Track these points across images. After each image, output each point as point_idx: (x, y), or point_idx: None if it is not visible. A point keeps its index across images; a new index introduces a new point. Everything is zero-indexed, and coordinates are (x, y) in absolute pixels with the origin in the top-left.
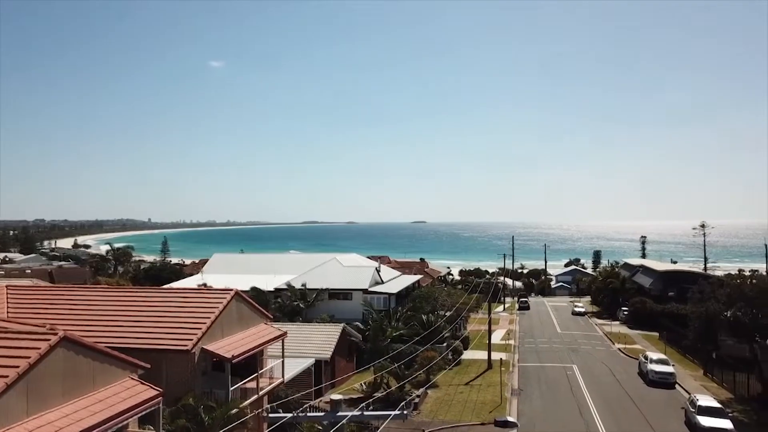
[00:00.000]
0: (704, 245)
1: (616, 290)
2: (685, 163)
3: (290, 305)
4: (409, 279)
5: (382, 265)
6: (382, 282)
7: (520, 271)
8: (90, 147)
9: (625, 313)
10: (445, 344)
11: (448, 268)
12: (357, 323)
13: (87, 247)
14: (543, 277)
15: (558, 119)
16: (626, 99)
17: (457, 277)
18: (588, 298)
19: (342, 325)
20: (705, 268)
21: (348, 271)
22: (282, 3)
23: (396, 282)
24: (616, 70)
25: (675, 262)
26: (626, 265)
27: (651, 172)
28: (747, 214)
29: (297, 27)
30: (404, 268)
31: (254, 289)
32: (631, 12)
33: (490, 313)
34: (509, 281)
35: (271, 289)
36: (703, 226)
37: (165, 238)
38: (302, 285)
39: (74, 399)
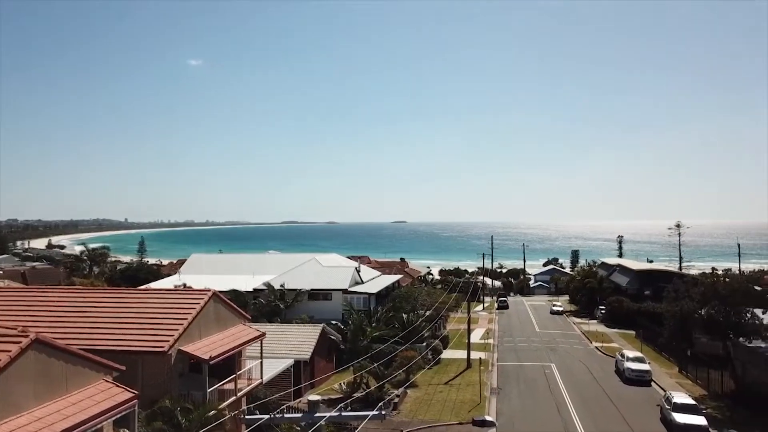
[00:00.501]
0: (679, 245)
1: (593, 289)
2: (661, 164)
3: (269, 306)
4: (389, 279)
5: (361, 266)
6: (362, 282)
7: (499, 270)
8: (65, 146)
9: (603, 312)
10: (424, 344)
11: (428, 268)
12: (337, 323)
13: (62, 247)
14: (522, 277)
15: (537, 121)
16: (602, 101)
17: (437, 277)
18: (566, 298)
19: (321, 325)
20: (680, 267)
21: (327, 271)
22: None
23: (376, 282)
24: (594, 72)
25: (651, 262)
26: (603, 265)
27: (628, 173)
28: (721, 215)
29: (276, 26)
30: (384, 268)
31: (233, 290)
32: (600, 16)
33: (469, 313)
34: (488, 281)
35: (250, 289)
36: (678, 226)
37: (142, 238)
38: (281, 285)
39: (46, 402)
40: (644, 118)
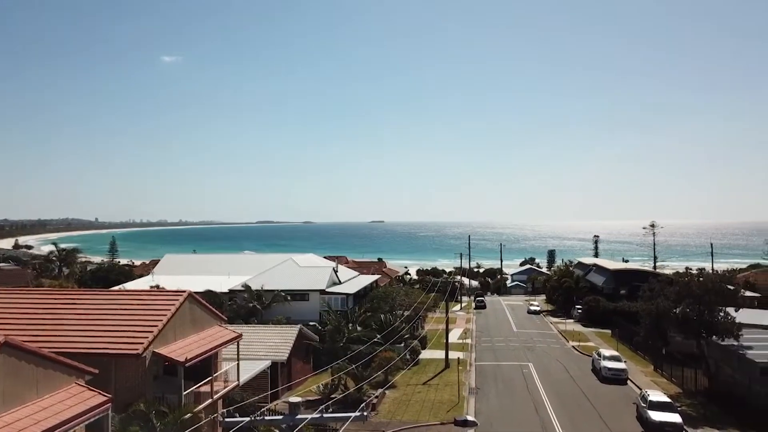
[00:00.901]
0: (654, 244)
1: (570, 289)
2: (635, 165)
3: (245, 307)
4: (367, 279)
5: (339, 266)
6: (340, 282)
7: (476, 270)
8: (32, 144)
9: (579, 311)
10: (403, 344)
11: (406, 268)
12: (315, 324)
13: (29, 247)
14: (499, 276)
15: (513, 122)
16: (574, 103)
17: (415, 277)
18: (543, 297)
19: (299, 326)
20: (655, 267)
21: (305, 271)
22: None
23: (354, 282)
24: (575, 74)
25: (626, 261)
26: (580, 264)
27: (603, 174)
28: (690, 215)
29: (254, 23)
30: (362, 268)
31: (208, 291)
32: (591, 16)
33: (447, 313)
34: (466, 280)
35: (226, 290)
36: (652, 225)
37: (113, 238)
38: (258, 286)
39: (16, 407)
40: (617, 120)
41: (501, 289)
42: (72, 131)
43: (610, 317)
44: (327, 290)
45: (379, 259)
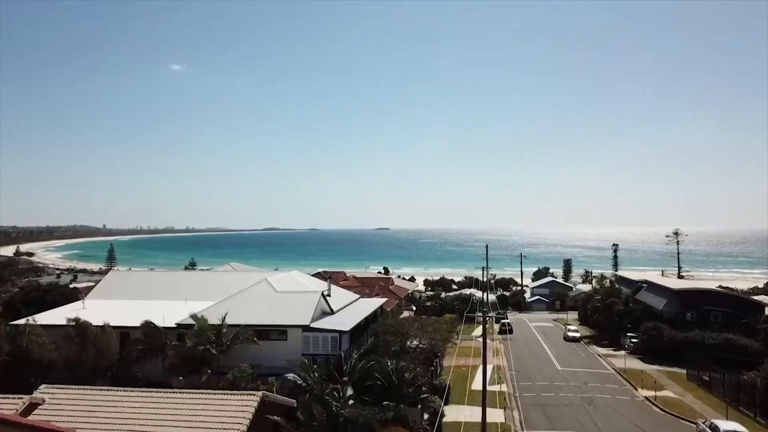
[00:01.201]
0: (678, 253)
1: (620, 313)
2: (629, 172)
3: (195, 350)
4: (369, 305)
5: (334, 286)
6: (332, 312)
7: (492, 280)
8: (40, 151)
9: (634, 341)
10: (418, 405)
11: (414, 280)
12: (295, 377)
13: (30, 254)
14: (518, 288)
15: (514, 130)
16: (571, 111)
17: (422, 287)
18: (572, 315)
19: (260, 394)
20: (679, 276)
21: (284, 299)
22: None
23: (351, 311)
24: (569, 81)
25: (681, 277)
26: (623, 280)
27: (599, 181)
28: (693, 222)
29: (261, 30)
30: (364, 286)
31: (147, 324)
32: (594, 17)
33: (485, 363)
34: (477, 293)
35: (174, 324)
36: (676, 233)
37: (111, 246)
38: (218, 318)
39: None
40: (614, 128)
41: (521, 305)
42: (80, 138)
43: (679, 351)
44: (312, 326)
45: (385, 270)
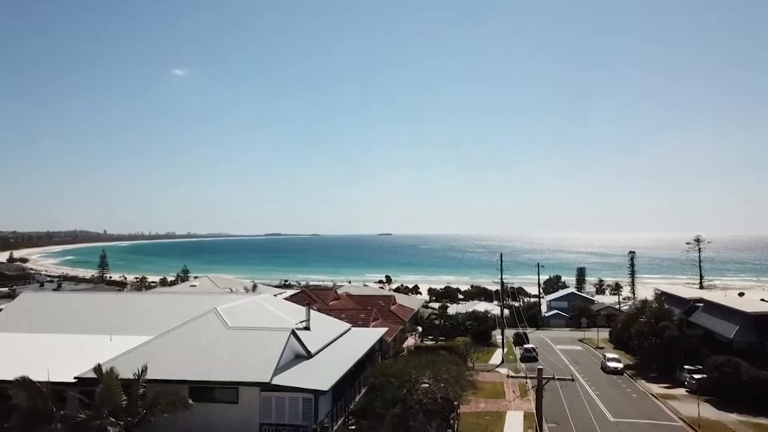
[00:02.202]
0: (699, 262)
1: (673, 339)
2: (622, 179)
3: (91, 425)
4: (364, 339)
5: (316, 314)
6: (308, 355)
7: (511, 288)
8: (41, 157)
9: (694, 377)
10: None
11: (418, 291)
12: None
13: (24, 261)
14: (531, 299)
15: (507, 138)
16: (573, 118)
17: (427, 297)
18: (601, 334)
19: None
20: (701, 286)
21: (237, 338)
22: (253, 10)
23: (337, 352)
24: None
25: (703, 287)
26: (666, 297)
27: (595, 186)
28: (694, 229)
29: (264, 36)
30: (359, 308)
31: (21, 380)
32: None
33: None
34: (490, 305)
35: (73, 378)
36: (698, 240)
37: (104, 252)
38: (134, 369)
39: None
40: (615, 135)
41: (538, 321)
42: (81, 143)
43: (764, 394)
44: (276, 382)
45: (387, 278)
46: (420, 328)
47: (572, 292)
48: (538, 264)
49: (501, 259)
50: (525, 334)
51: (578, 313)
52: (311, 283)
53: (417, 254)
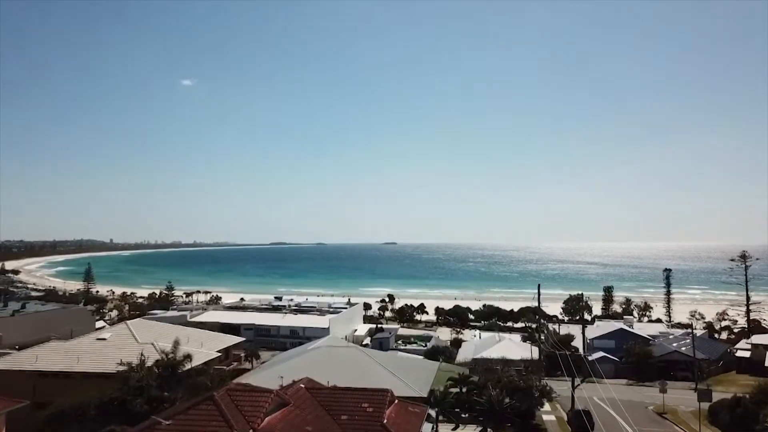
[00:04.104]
0: (746, 280)
1: None
2: (629, 187)
3: None
4: None
5: None
6: None
7: (543, 310)
8: (48, 166)
9: None
10: None
11: (426, 314)
12: None
13: (16, 272)
14: (568, 333)
15: (510, 146)
16: (577, 128)
17: (433, 316)
18: (675, 393)
19: None
20: (748, 310)
21: None
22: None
23: None
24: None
25: (750, 310)
26: None
27: (596, 195)
28: (696, 237)
29: (270, 48)
30: (351, 401)
31: None
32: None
33: None
34: (512, 340)
35: None
36: (743, 257)
37: (89, 265)
38: None
39: None
40: (616, 142)
41: (579, 365)
42: (88, 153)
43: None
44: None
45: (390, 297)
46: (433, 413)
47: (620, 329)
48: (584, 299)
49: (539, 292)
50: (587, 414)
51: (637, 362)
52: (309, 298)
53: (421, 265)
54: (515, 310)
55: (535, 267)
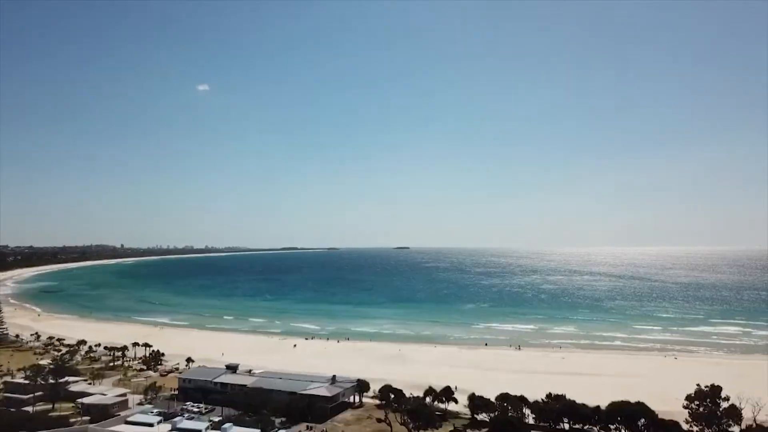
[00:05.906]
0: None
1: None
2: (631, 193)
3: None
4: None
5: None
6: None
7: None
8: (60, 172)
9: None
10: None
11: (455, 402)
12: None
13: None
14: None
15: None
16: (584, 130)
17: (466, 409)
18: None
19: None
20: None
21: None
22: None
23: None
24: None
25: None
26: None
27: (597, 201)
28: (702, 241)
29: (282, 51)
30: None
31: None
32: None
33: None
34: None
35: None
36: None
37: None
38: None
39: None
40: (619, 149)
41: None
42: (100, 158)
43: None
44: None
45: (395, 398)
46: None
47: None
48: None
49: None
50: None
51: None
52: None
53: (435, 284)
54: (602, 407)
55: (552, 286)
